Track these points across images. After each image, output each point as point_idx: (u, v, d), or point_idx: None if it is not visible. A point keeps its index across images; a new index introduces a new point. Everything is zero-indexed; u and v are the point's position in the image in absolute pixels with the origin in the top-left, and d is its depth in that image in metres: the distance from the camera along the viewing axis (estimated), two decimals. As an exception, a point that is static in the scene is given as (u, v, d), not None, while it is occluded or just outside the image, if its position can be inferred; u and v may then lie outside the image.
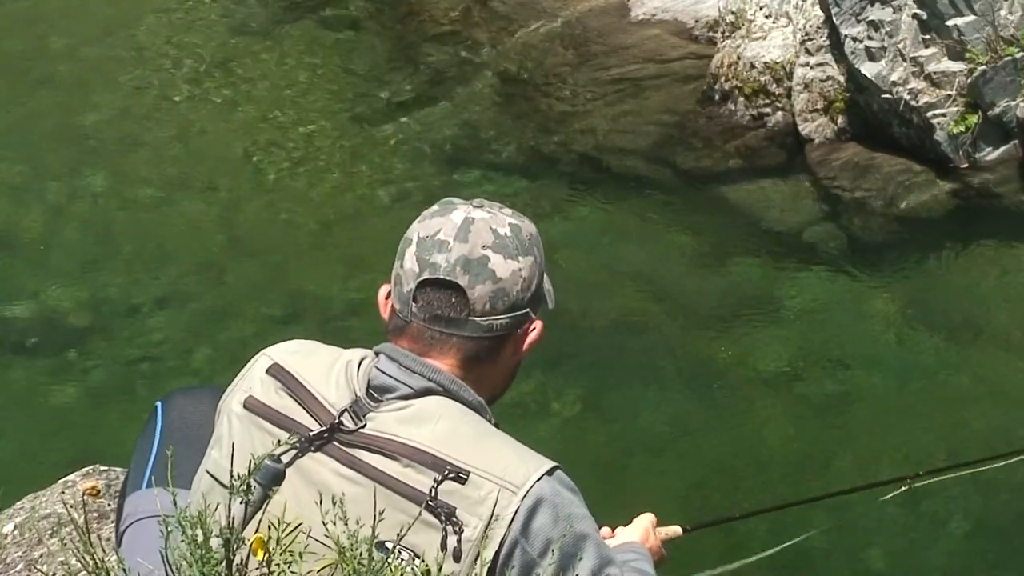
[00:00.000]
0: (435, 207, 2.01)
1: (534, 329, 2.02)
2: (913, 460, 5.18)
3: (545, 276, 2.09)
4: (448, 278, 1.92)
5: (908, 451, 5.32)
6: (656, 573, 2.30)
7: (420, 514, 1.80)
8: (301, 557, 1.78)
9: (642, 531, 2.37)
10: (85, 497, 2.88)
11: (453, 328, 1.94)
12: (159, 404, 2.47)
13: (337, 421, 1.90)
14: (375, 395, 1.93)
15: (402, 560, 1.77)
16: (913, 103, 6.95)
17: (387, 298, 2.02)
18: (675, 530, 2.57)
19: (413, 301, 1.95)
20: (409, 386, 1.93)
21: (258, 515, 1.86)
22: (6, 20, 9.26)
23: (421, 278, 1.94)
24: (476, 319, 1.94)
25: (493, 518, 1.81)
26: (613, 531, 2.38)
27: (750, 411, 5.60)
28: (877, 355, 5.93)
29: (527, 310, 1.99)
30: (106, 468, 3.07)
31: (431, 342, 1.95)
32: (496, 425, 2.00)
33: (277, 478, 1.87)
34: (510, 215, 2.00)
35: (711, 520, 2.80)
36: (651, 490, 5.18)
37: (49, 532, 2.80)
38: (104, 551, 1.93)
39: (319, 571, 1.80)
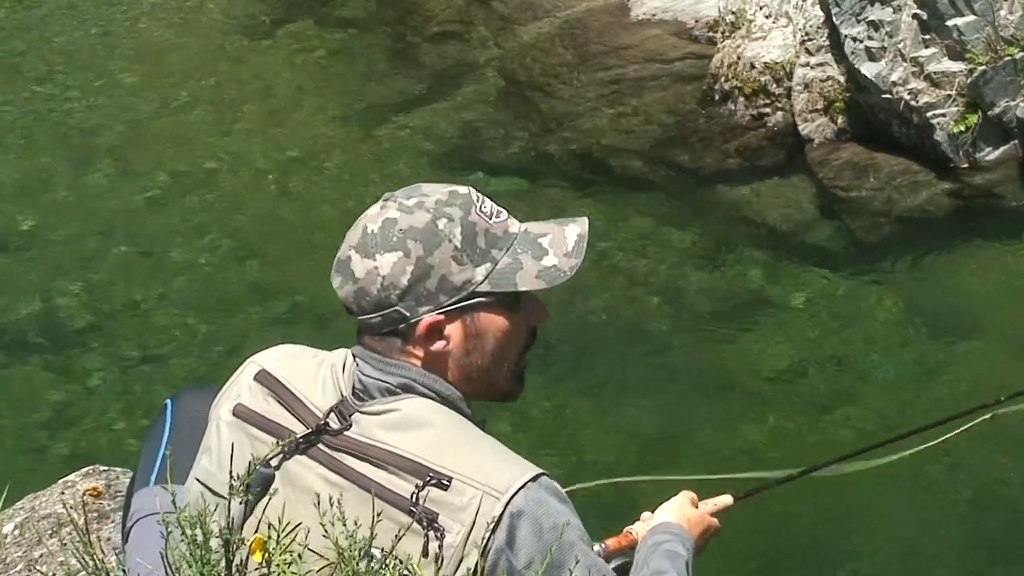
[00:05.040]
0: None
1: (435, 332, 1.92)
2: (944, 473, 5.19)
3: (525, 255, 1.96)
4: (331, 279, 1.97)
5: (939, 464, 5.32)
6: (705, 547, 2.29)
7: (411, 525, 1.79)
8: (301, 558, 1.78)
9: (677, 509, 2.29)
10: (86, 497, 2.88)
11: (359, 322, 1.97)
12: (168, 402, 2.49)
13: (323, 422, 1.89)
14: (359, 395, 1.92)
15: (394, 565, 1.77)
16: (913, 103, 6.95)
17: None
18: (725, 500, 2.49)
19: None
20: (387, 382, 1.92)
21: (249, 520, 1.86)
22: (5, 20, 9.27)
23: None
24: (359, 317, 1.95)
25: (476, 524, 1.79)
26: (652, 513, 2.32)
27: (750, 410, 5.60)
28: (877, 354, 5.93)
29: (398, 307, 1.91)
30: (106, 468, 3.07)
31: (368, 337, 1.97)
32: (483, 422, 1.98)
33: (266, 483, 1.87)
34: (404, 208, 1.92)
35: (762, 485, 2.65)
36: (651, 489, 5.17)
37: (49, 532, 2.80)
38: (104, 551, 1.93)
39: (318, 571, 1.80)
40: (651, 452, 5.40)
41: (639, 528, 2.32)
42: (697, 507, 2.34)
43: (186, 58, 8.82)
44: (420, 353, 1.93)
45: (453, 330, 1.93)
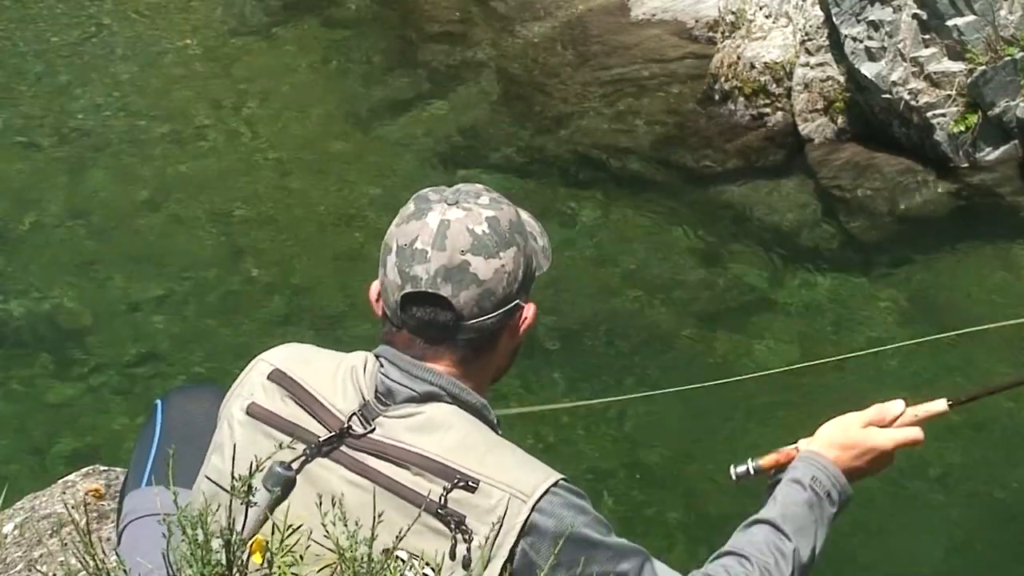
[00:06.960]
0: (410, 206, 1.99)
1: (525, 319, 2.00)
2: (917, 460, 5.18)
3: (537, 237, 2.08)
4: (431, 291, 1.90)
5: (910, 451, 5.31)
6: (877, 469, 2.35)
7: (420, 514, 1.80)
8: (302, 559, 1.77)
9: (824, 439, 2.35)
10: (87, 498, 2.88)
11: (445, 334, 1.93)
12: (159, 402, 2.48)
13: (346, 426, 1.89)
14: (383, 399, 1.92)
15: (413, 568, 1.77)
16: (913, 103, 6.95)
17: (378, 299, 2.01)
18: (937, 406, 2.41)
19: (401, 311, 1.94)
20: (414, 390, 1.92)
21: (268, 523, 1.85)
22: (4, 20, 9.27)
23: (404, 291, 1.92)
24: (466, 323, 1.93)
25: (503, 527, 1.81)
26: (796, 446, 2.34)
27: (749, 411, 5.59)
28: (877, 355, 5.92)
29: (517, 301, 1.97)
30: (106, 468, 3.07)
31: (425, 348, 1.94)
32: (497, 421, 1.99)
33: (288, 485, 1.86)
34: (487, 205, 1.97)
35: (979, 391, 2.53)
36: (651, 490, 5.18)
37: (49, 532, 2.79)
38: (104, 552, 1.93)
39: (319, 570, 1.80)
40: (649, 452, 5.40)
41: (802, 444, 2.34)
42: (873, 424, 2.38)
43: (185, 58, 8.82)
44: (504, 345, 1.99)
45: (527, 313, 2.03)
